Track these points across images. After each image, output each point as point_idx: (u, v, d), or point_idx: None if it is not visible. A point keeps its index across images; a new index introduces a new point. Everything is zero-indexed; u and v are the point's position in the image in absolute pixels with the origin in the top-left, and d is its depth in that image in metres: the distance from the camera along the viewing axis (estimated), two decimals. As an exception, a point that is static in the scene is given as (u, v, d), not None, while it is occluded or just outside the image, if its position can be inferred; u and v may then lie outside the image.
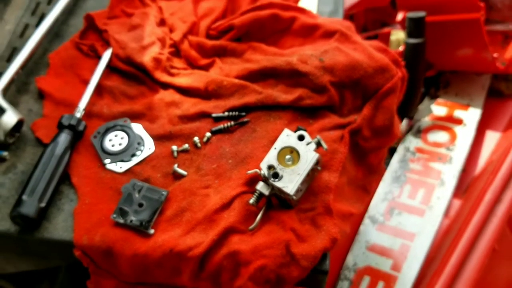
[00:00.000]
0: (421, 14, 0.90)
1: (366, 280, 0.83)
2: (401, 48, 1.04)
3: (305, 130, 0.64)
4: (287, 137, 0.61)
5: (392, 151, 1.01)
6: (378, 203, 0.92)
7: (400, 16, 1.00)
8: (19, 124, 0.71)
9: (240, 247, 0.58)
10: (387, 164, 0.98)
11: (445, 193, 0.91)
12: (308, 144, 0.60)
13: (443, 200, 0.90)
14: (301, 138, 0.61)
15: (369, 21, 1.23)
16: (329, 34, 0.73)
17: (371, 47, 0.70)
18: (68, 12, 0.88)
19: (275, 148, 0.61)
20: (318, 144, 0.61)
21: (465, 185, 0.94)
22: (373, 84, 0.67)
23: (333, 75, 0.68)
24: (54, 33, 0.85)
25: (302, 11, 0.77)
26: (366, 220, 0.90)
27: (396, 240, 0.87)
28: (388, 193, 0.93)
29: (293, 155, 0.61)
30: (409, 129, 1.02)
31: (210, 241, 0.59)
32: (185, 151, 0.69)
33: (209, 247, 0.58)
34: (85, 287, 0.66)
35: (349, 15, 1.20)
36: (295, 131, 0.64)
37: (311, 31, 0.74)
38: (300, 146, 0.60)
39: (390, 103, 0.68)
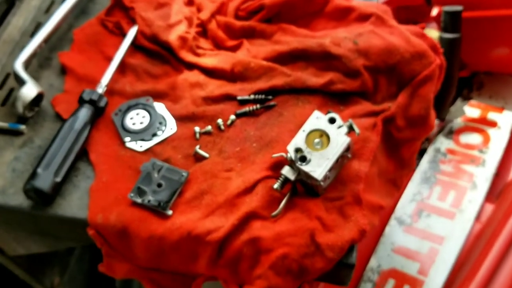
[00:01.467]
0: (458, 8, 0.86)
1: (390, 283, 0.79)
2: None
3: (336, 114, 0.60)
4: (317, 120, 0.58)
5: (422, 152, 0.96)
6: (405, 204, 0.87)
7: (435, 11, 0.96)
8: (39, 97, 0.69)
9: (261, 233, 0.55)
10: (417, 165, 0.94)
11: (477, 196, 0.86)
12: (339, 127, 0.57)
13: (474, 204, 0.85)
14: (332, 120, 0.57)
15: (401, 20, 1.19)
16: (364, 17, 0.69)
17: (408, 31, 0.66)
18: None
19: (303, 131, 0.57)
20: (350, 128, 0.57)
21: (498, 189, 0.89)
22: (409, 70, 0.64)
23: (368, 59, 0.64)
24: (81, 10, 0.83)
25: (336, -7, 0.73)
26: (393, 221, 0.86)
27: (423, 243, 0.82)
28: (416, 194, 0.88)
29: (322, 139, 0.57)
30: (440, 130, 0.98)
31: (230, 225, 0.55)
32: (207, 133, 0.66)
33: (229, 232, 0.55)
34: (97, 275, 0.63)
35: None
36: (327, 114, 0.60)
37: (345, 14, 0.71)
38: (330, 129, 0.57)
39: (427, 91, 0.64)
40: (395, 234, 0.84)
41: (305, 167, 0.55)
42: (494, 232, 0.77)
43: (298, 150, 0.56)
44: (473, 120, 0.98)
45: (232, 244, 0.55)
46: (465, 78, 1.04)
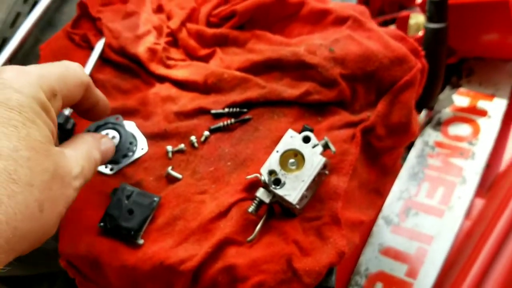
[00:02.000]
0: (443, -4, 0.82)
1: (378, 287, 0.77)
2: (420, 33, 0.96)
3: (311, 130, 0.57)
4: (291, 139, 0.55)
5: (409, 145, 0.94)
6: (393, 202, 0.85)
7: (419, -1, 0.92)
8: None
9: (237, 261, 0.53)
10: (404, 159, 0.91)
11: (467, 191, 0.83)
12: (314, 146, 0.54)
13: (464, 200, 0.83)
14: (306, 140, 0.54)
15: (386, 3, 1.15)
16: (341, 20, 0.66)
17: (387, 35, 0.63)
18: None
19: (277, 151, 0.55)
20: (326, 147, 0.55)
21: (489, 182, 0.87)
22: (389, 76, 0.60)
23: (344, 67, 0.61)
24: (47, 22, 0.80)
25: (311, -5, 0.69)
26: (380, 221, 0.84)
27: (412, 243, 0.80)
28: (404, 192, 0.86)
29: (297, 159, 0.55)
30: (428, 121, 0.95)
31: (204, 253, 0.53)
32: (180, 151, 0.63)
33: (203, 260, 0.53)
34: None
35: (365, -2, 1.11)
36: (301, 131, 0.58)
37: (321, 17, 0.67)
38: (305, 149, 0.54)
39: (408, 97, 0.61)
40: (383, 234, 0.82)
41: (279, 191, 0.53)
42: (485, 230, 0.75)
43: (272, 172, 0.54)
44: (462, 109, 0.95)
45: (206, 273, 0.53)
46: (453, 64, 1.01)
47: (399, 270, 0.78)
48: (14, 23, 0.81)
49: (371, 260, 0.80)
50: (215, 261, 0.53)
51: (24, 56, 0.75)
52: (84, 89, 0.50)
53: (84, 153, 0.50)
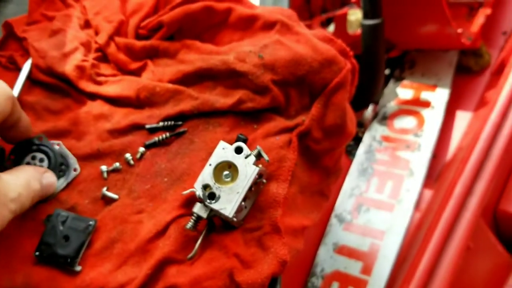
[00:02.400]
0: (376, -8, 0.82)
1: (335, 287, 0.77)
2: (360, 30, 0.96)
3: (245, 139, 0.56)
4: (223, 150, 0.54)
5: (358, 141, 0.94)
6: (344, 200, 0.85)
7: (356, -5, 0.92)
8: None
9: (177, 280, 0.52)
10: (353, 155, 0.92)
11: (415, 184, 0.84)
12: (247, 156, 0.53)
13: (412, 192, 0.84)
14: (238, 150, 0.53)
15: (328, 1, 1.15)
16: (269, 25, 0.65)
17: (315, 37, 0.62)
18: (-15, 19, 0.79)
19: (210, 164, 0.53)
20: (259, 156, 0.54)
21: (436, 173, 0.88)
22: (320, 79, 0.60)
23: (275, 72, 0.60)
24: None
25: (238, 1, 0.68)
26: (333, 220, 0.84)
27: (365, 240, 0.80)
28: (355, 188, 0.86)
29: (231, 170, 0.54)
30: (374, 116, 0.96)
31: (143, 276, 0.52)
32: (116, 170, 0.61)
33: (143, 283, 0.51)
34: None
35: (306, -4, 1.11)
36: (235, 140, 0.57)
37: (250, 23, 0.66)
38: (238, 159, 0.53)
39: (340, 99, 0.60)
40: (336, 233, 0.82)
41: (214, 205, 0.52)
42: (432, 223, 0.75)
43: (206, 186, 0.53)
44: (407, 102, 0.96)
45: (148, 294, 0.52)
46: (396, 58, 1.02)
47: (354, 268, 0.78)
48: None
49: (326, 260, 0.79)
50: (156, 283, 0.52)
51: None
52: (11, 102, 0.52)
53: (23, 181, 0.52)
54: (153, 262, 0.52)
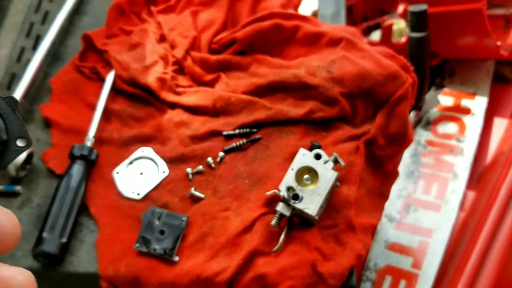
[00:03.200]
0: (422, 7, 0.89)
1: (388, 280, 0.84)
2: (403, 39, 1.03)
3: (319, 146, 0.63)
4: (303, 157, 0.61)
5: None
6: (393, 201, 0.91)
7: (401, 8, 0.99)
8: (29, 156, 0.71)
9: (266, 269, 0.58)
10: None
11: (459, 186, 0.91)
12: (325, 162, 0.60)
13: (457, 194, 0.90)
14: (317, 157, 0.60)
15: (368, 10, 1.21)
16: (334, 42, 0.71)
17: (379, 53, 0.69)
18: (64, 32, 0.86)
19: (292, 169, 0.60)
20: (335, 161, 0.61)
21: (477, 175, 0.94)
22: (384, 92, 0.67)
23: (343, 86, 0.67)
24: (53, 56, 0.84)
25: (305, 19, 0.75)
26: (384, 219, 0.90)
27: (414, 238, 0.87)
28: (402, 190, 0.93)
29: (311, 174, 0.60)
30: (418, 121, 1.02)
31: (236, 265, 0.59)
32: (200, 172, 0.69)
33: (236, 271, 0.58)
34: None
35: (349, 5, 1.17)
36: (309, 147, 0.63)
37: (316, 40, 0.73)
38: (317, 165, 0.60)
39: (403, 109, 0.67)
40: (387, 231, 0.89)
41: (298, 205, 0.59)
42: (478, 222, 0.81)
43: (289, 188, 0.60)
44: (448, 108, 1.02)
45: (239, 282, 0.59)
46: (436, 66, 1.08)
47: (405, 263, 0.84)
48: (20, 58, 0.85)
49: (378, 256, 0.86)
50: (247, 272, 0.59)
51: (36, 90, 0.79)
52: None
53: None
54: (243, 253, 0.59)
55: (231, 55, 0.76)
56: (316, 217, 0.59)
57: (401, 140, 0.68)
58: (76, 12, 0.87)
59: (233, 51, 0.76)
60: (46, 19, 0.89)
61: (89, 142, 0.70)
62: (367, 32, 1.19)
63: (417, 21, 0.90)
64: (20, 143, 0.32)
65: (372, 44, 1.06)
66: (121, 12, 0.83)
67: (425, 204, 0.90)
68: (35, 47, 0.86)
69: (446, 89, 1.05)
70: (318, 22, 0.75)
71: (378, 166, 0.69)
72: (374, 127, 0.66)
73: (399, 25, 1.08)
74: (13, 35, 0.89)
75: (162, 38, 0.81)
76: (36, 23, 0.90)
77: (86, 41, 0.82)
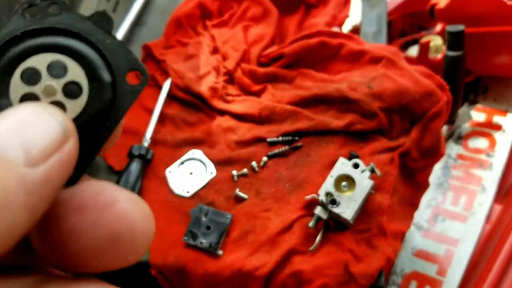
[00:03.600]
0: (460, 28, 0.93)
1: (413, 285, 0.88)
2: (439, 56, 1.07)
3: (358, 156, 0.69)
4: (342, 165, 0.66)
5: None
6: (422, 210, 0.96)
7: (438, 27, 1.03)
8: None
9: (302, 267, 0.64)
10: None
11: (486, 199, 0.94)
12: (363, 171, 0.66)
13: (484, 206, 0.94)
14: (356, 166, 0.66)
15: (407, 25, 1.26)
16: (376, 60, 0.77)
17: (417, 72, 0.74)
18: (126, 40, 0.94)
19: (331, 176, 0.66)
20: (372, 171, 0.66)
21: (505, 190, 0.98)
22: (420, 108, 0.72)
23: (382, 101, 0.72)
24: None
25: (349, 37, 0.81)
26: (412, 227, 0.95)
27: (440, 246, 0.91)
28: (432, 200, 0.97)
29: (348, 182, 0.66)
30: (450, 135, 1.06)
31: (274, 261, 0.65)
32: (244, 175, 0.75)
33: (274, 267, 0.65)
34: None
35: (387, 21, 1.22)
36: (348, 157, 0.69)
37: (358, 57, 0.78)
38: (355, 173, 0.66)
39: (437, 125, 0.72)
40: (415, 239, 0.93)
41: (336, 209, 0.64)
42: (503, 233, 0.85)
43: (328, 194, 0.65)
44: (480, 124, 1.06)
45: (277, 277, 0.65)
46: (470, 83, 1.12)
47: (430, 270, 0.89)
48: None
49: (405, 262, 0.91)
50: (284, 268, 0.65)
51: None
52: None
53: None
54: (282, 251, 0.65)
55: (278, 68, 0.82)
56: (351, 222, 0.64)
57: (434, 154, 0.73)
58: (136, 23, 0.95)
59: (280, 65, 0.82)
60: (117, 9, 0.95)
61: (146, 143, 0.78)
62: (404, 46, 1.23)
63: (453, 40, 0.94)
64: (131, 80, 0.24)
65: (409, 59, 1.11)
66: (179, 25, 0.90)
67: (453, 214, 0.94)
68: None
69: (479, 105, 1.09)
70: (361, 41, 0.81)
71: (410, 177, 0.75)
72: (409, 141, 0.72)
73: (436, 41, 1.12)
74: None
75: (215, 50, 0.88)
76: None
77: (145, 50, 0.90)
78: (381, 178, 0.69)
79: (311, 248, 0.66)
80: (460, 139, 1.05)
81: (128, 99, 0.23)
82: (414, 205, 0.77)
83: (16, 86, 0.22)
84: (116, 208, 0.20)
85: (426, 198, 0.97)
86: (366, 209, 0.68)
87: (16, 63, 0.22)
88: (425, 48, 1.06)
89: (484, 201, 0.95)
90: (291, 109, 0.77)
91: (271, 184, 0.73)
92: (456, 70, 0.96)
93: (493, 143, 1.02)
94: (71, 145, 0.20)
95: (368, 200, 0.68)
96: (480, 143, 1.03)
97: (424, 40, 1.07)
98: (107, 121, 0.23)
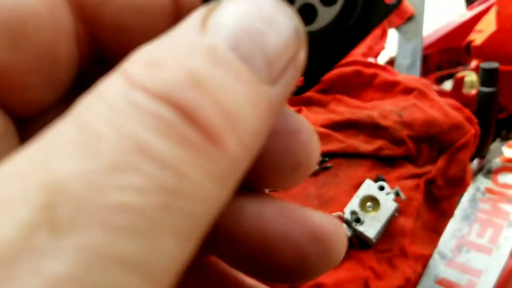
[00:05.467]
0: (494, 65, 0.96)
1: (433, 312, 0.90)
2: (473, 91, 1.10)
3: (384, 179, 0.73)
4: (368, 187, 0.70)
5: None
6: (447, 240, 0.98)
7: (474, 63, 1.06)
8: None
9: (324, 279, 0.68)
10: (458, 202, 1.04)
11: (513, 234, 0.96)
12: (387, 194, 0.69)
13: (510, 241, 0.95)
14: (381, 188, 0.70)
15: (443, 60, 1.29)
16: (407, 90, 0.81)
17: (447, 105, 0.78)
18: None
19: (357, 196, 0.70)
20: (397, 194, 0.70)
21: (533, 226, 0.98)
22: (448, 139, 0.75)
23: (411, 129, 0.76)
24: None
25: (383, 68, 0.85)
26: (436, 255, 0.97)
27: (463, 276, 0.93)
28: (457, 231, 0.99)
29: (373, 202, 0.70)
30: (480, 169, 1.08)
31: (298, 273, 0.69)
32: (275, 190, 0.80)
33: (298, 278, 0.69)
34: None
35: (424, 55, 1.26)
36: (375, 179, 0.73)
37: (391, 87, 0.83)
38: (380, 195, 0.69)
39: (463, 156, 0.75)
40: (438, 267, 0.95)
41: (359, 227, 0.68)
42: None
43: (353, 212, 0.69)
44: (510, 160, 1.07)
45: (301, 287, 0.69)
46: (504, 119, 1.14)
47: (451, 299, 0.90)
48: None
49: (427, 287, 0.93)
50: (307, 280, 0.69)
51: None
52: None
53: None
54: (306, 264, 0.69)
55: (313, 92, 0.87)
56: (374, 240, 0.68)
57: (459, 183, 0.76)
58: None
59: (316, 90, 0.87)
60: None
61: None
62: (440, 80, 1.27)
63: (487, 77, 0.97)
64: None
65: (443, 93, 1.14)
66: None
67: (478, 246, 0.96)
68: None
69: (511, 142, 1.11)
70: (395, 72, 0.85)
71: (435, 204, 0.78)
72: (435, 169, 0.75)
73: (471, 77, 1.15)
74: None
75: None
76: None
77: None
78: (406, 202, 0.73)
79: (334, 263, 0.69)
80: (490, 173, 1.06)
81: (378, 18, 0.21)
82: (437, 232, 0.80)
83: None
84: (300, 137, 0.20)
85: (451, 229, 0.99)
86: (389, 230, 0.71)
87: None
88: (459, 83, 1.09)
89: (510, 235, 0.96)
90: (323, 131, 0.82)
91: (299, 200, 0.77)
92: (489, 106, 0.98)
93: (523, 180, 1.03)
94: (303, 56, 0.17)
95: (392, 222, 0.72)
96: (510, 178, 1.04)
97: (459, 75, 1.10)
98: (345, 40, 0.21)
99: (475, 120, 0.77)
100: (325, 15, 0.21)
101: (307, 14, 0.20)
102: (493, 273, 0.92)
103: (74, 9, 0.17)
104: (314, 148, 0.21)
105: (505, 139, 1.12)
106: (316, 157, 0.21)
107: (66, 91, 0.19)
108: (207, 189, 0.13)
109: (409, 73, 0.89)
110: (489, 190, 1.04)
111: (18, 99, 0.17)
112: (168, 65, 0.14)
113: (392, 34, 0.96)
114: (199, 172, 0.13)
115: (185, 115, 0.13)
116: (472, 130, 0.75)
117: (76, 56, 0.18)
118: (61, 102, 0.19)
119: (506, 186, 1.03)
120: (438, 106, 0.77)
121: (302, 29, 0.17)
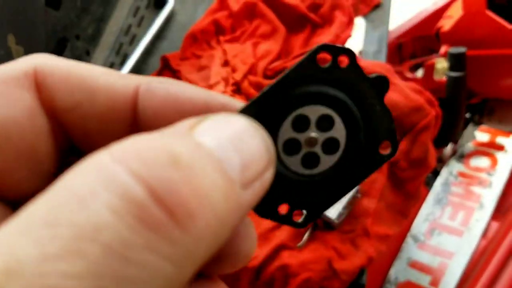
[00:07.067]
0: (461, 50, 0.98)
1: (406, 294, 0.92)
2: (445, 78, 1.11)
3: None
4: (331, 169, 0.72)
5: (436, 174, 1.08)
6: (420, 223, 1.00)
7: (443, 49, 1.08)
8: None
9: (289, 261, 0.70)
10: (431, 186, 1.06)
11: (484, 215, 0.97)
12: (348, 175, 0.71)
13: (481, 222, 0.96)
14: (342, 170, 0.71)
15: (417, 48, 1.31)
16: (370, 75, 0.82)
17: (408, 88, 0.79)
18: (147, 52, 1.03)
19: (320, 178, 0.72)
20: (358, 176, 0.71)
21: (504, 208, 1.00)
22: (409, 121, 0.77)
23: (373, 113, 0.78)
24: (136, 72, 1.01)
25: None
26: (409, 239, 0.98)
27: (435, 258, 0.94)
28: (429, 214, 1.01)
29: (336, 185, 0.71)
30: (453, 154, 1.09)
31: (264, 255, 0.70)
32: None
33: (264, 260, 0.70)
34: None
35: (398, 43, 1.28)
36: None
37: (355, 73, 0.84)
38: (341, 177, 0.71)
39: (424, 138, 0.77)
40: (411, 250, 0.97)
41: (321, 209, 0.70)
42: (494, 248, 0.88)
43: (316, 194, 0.71)
44: (483, 144, 1.09)
45: (266, 269, 0.70)
46: (476, 104, 1.15)
47: (423, 280, 0.92)
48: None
49: (400, 271, 0.94)
50: (273, 261, 0.70)
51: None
52: None
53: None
54: (272, 246, 0.71)
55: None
56: (336, 221, 0.70)
57: (422, 165, 0.77)
58: (158, 37, 1.04)
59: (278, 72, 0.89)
60: (133, 41, 1.06)
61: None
62: (414, 68, 1.28)
63: (455, 62, 0.99)
64: (383, 149, 0.23)
65: (415, 80, 1.16)
66: (194, 39, 0.98)
67: (449, 229, 0.97)
68: (122, 63, 1.03)
69: (483, 126, 1.12)
70: (358, 58, 0.86)
71: (400, 186, 0.79)
72: (398, 151, 0.76)
73: (442, 64, 1.17)
74: (106, 52, 1.07)
75: (225, 63, 0.96)
76: (125, 44, 1.07)
77: (163, 61, 0.99)
78: (369, 184, 0.74)
79: (299, 244, 0.71)
80: (462, 157, 1.08)
81: (371, 167, 0.24)
82: (403, 214, 0.81)
83: (286, 127, 0.23)
84: (249, 239, 0.24)
85: (424, 212, 1.01)
86: (353, 212, 0.73)
87: (297, 105, 0.22)
88: (429, 69, 1.11)
89: (481, 217, 0.97)
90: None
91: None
92: (458, 90, 1.00)
93: (494, 163, 1.04)
94: (270, 175, 0.19)
95: (355, 204, 0.73)
96: (482, 162, 1.06)
97: (429, 61, 1.12)
98: (343, 183, 0.24)
99: (436, 102, 0.78)
100: (326, 161, 0.24)
101: (311, 160, 0.24)
102: (465, 255, 0.94)
103: (49, 114, 0.21)
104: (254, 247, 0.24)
105: (478, 123, 1.14)
106: (254, 249, 0.24)
107: (52, 174, 0.22)
108: (162, 270, 0.14)
109: (375, 59, 0.91)
110: (461, 174, 1.05)
111: (7, 188, 0.21)
112: (153, 146, 0.15)
113: (359, 22, 0.97)
114: (154, 254, 0.14)
115: (155, 195, 0.14)
116: (433, 112, 0.77)
117: (54, 150, 0.22)
118: (48, 184, 0.21)
119: (478, 169, 1.05)
120: (399, 89, 0.78)
121: (272, 150, 0.19)
